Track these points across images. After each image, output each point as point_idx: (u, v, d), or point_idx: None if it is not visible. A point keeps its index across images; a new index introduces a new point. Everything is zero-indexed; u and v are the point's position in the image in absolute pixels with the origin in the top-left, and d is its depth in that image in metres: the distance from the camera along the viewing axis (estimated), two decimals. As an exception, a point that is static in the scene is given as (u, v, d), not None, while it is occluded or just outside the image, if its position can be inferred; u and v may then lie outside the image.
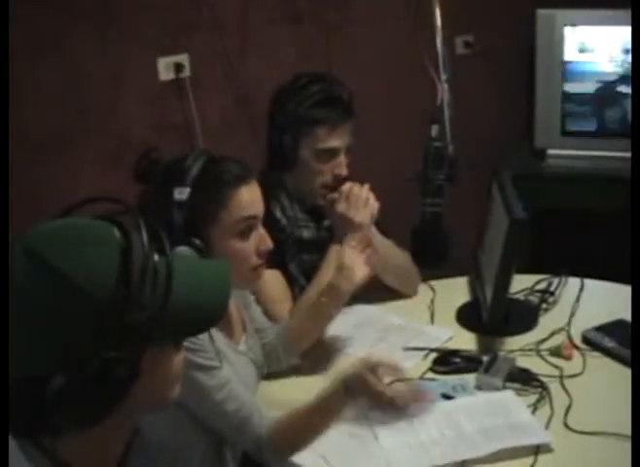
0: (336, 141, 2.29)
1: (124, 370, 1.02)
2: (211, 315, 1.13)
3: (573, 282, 2.51)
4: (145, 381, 1.07)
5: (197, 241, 1.65)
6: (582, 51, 3.45)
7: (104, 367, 1.00)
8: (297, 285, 2.33)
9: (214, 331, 1.81)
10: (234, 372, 1.84)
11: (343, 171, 2.31)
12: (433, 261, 1.91)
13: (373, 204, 2.23)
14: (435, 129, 1.85)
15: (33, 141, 2.84)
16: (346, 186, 2.24)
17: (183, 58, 3.11)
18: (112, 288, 1.02)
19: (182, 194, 1.72)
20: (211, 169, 1.78)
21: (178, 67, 3.09)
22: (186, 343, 1.63)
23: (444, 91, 1.85)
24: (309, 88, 2.30)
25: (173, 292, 1.04)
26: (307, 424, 1.80)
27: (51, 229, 1.08)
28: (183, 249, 1.60)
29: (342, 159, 2.31)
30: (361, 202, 2.21)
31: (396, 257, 2.39)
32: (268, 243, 1.85)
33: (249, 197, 1.80)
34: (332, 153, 2.30)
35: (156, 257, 1.06)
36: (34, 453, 1.06)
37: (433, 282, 2.56)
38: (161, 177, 1.77)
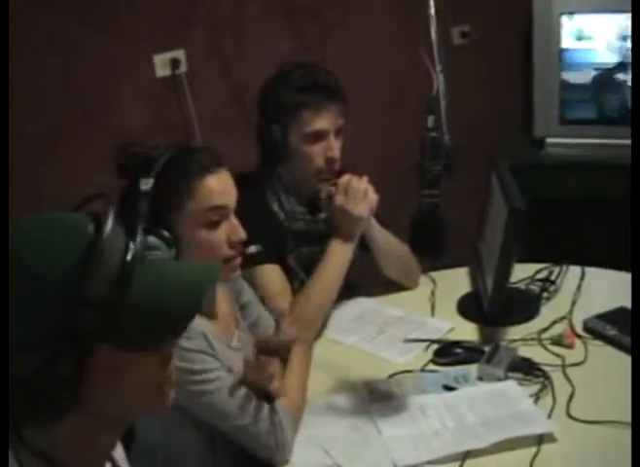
0: (321, 123, 2.27)
1: (66, 366, 1.00)
2: (174, 322, 1.08)
3: (574, 271, 2.50)
4: (104, 382, 1.05)
5: (165, 233, 1.65)
6: (579, 38, 3.44)
7: (46, 360, 0.99)
8: (296, 278, 2.33)
9: (206, 327, 1.80)
10: (228, 370, 1.82)
11: (335, 153, 2.30)
12: (431, 252, 1.89)
13: (372, 197, 2.22)
14: (431, 120, 1.83)
15: (30, 139, 2.83)
16: (344, 178, 2.22)
17: (179, 54, 3.10)
18: (62, 276, 1.00)
19: (147, 184, 1.70)
20: (178, 159, 1.75)
21: (174, 63, 3.09)
22: None
23: (439, 82, 1.84)
24: (292, 74, 2.30)
25: (135, 291, 1.02)
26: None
27: (26, 221, 1.08)
28: (151, 240, 1.61)
29: (332, 141, 2.29)
30: (360, 195, 2.19)
31: (396, 249, 2.39)
32: (240, 234, 1.81)
33: (216, 187, 1.76)
34: (319, 135, 2.28)
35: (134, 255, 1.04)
36: (16, 446, 1.06)
37: (433, 273, 2.56)
38: (129, 168, 1.76)
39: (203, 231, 1.77)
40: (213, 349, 1.78)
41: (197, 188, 1.74)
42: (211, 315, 1.87)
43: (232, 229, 1.80)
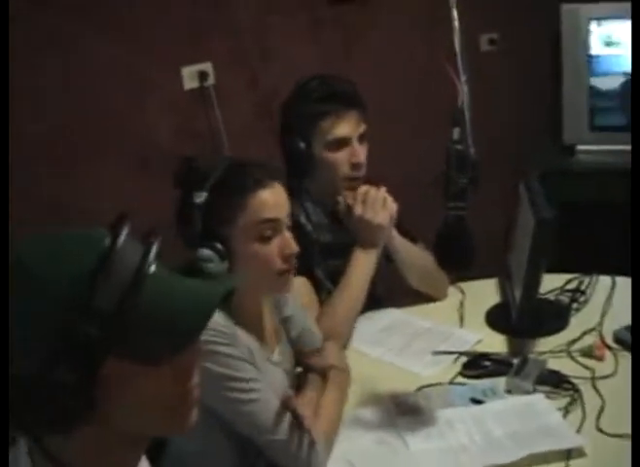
0: (343, 130, 2.29)
1: (73, 375, 1.00)
2: (180, 334, 1.06)
3: (604, 280, 2.48)
4: (114, 394, 1.04)
5: (219, 245, 1.70)
6: (607, 44, 3.41)
7: (52, 369, 0.99)
8: (324, 290, 2.33)
9: (249, 340, 1.81)
10: (268, 384, 1.81)
11: (360, 159, 2.31)
12: (457, 265, 1.89)
13: (391, 205, 2.24)
14: (456, 132, 1.82)
15: (60, 151, 2.86)
16: (362, 189, 2.25)
17: (207, 66, 3.12)
18: (68, 284, 1.01)
19: (200, 197, 1.73)
20: (231, 173, 1.78)
21: (202, 75, 3.11)
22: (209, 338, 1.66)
23: (463, 93, 1.82)
24: (309, 85, 2.32)
25: (145, 303, 1.02)
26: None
27: (41, 234, 1.09)
28: (204, 252, 1.67)
29: (357, 146, 2.31)
30: (378, 204, 2.22)
31: (419, 259, 2.38)
32: (293, 247, 1.82)
33: (269, 200, 1.78)
34: (342, 142, 2.30)
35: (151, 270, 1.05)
36: (36, 453, 1.08)
37: (462, 284, 2.54)
38: (185, 181, 1.78)
39: (256, 244, 1.78)
40: (255, 361, 1.78)
41: (250, 201, 1.76)
42: (256, 329, 1.88)
43: (285, 242, 1.81)
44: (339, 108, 2.28)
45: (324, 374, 1.99)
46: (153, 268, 1.06)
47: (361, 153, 2.32)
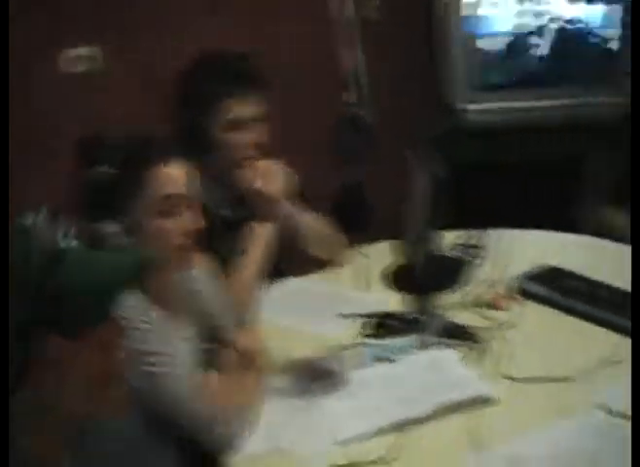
0: (244, 110, 2.27)
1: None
2: (90, 313, 1.10)
3: (500, 234, 2.54)
4: (44, 369, 1.08)
5: (123, 219, 1.73)
6: (491, 4, 3.45)
7: None
8: (225, 265, 2.31)
9: (161, 315, 1.80)
10: (180, 358, 1.80)
11: (263, 139, 2.30)
12: (354, 228, 1.91)
13: (287, 178, 2.25)
14: (348, 96, 1.84)
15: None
16: (259, 163, 2.27)
17: (93, 51, 3.06)
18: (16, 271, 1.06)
19: (106, 172, 1.74)
20: (136, 148, 1.80)
21: (86, 58, 3.05)
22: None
23: (353, 58, 1.84)
24: (210, 63, 2.29)
25: (64, 280, 1.07)
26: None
27: None
28: (109, 226, 1.69)
29: (257, 127, 2.29)
30: (272, 176, 2.24)
31: (315, 225, 2.41)
32: (196, 223, 1.83)
33: (171, 176, 1.80)
34: (243, 123, 2.27)
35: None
36: None
37: (363, 248, 2.55)
38: (86, 157, 1.77)
39: (157, 219, 1.81)
40: (168, 336, 1.78)
41: (153, 176, 1.78)
42: (166, 305, 1.85)
43: (189, 217, 1.82)
44: (240, 89, 2.25)
45: (245, 354, 1.99)
46: (70, 244, 1.12)
47: (263, 133, 2.31)
